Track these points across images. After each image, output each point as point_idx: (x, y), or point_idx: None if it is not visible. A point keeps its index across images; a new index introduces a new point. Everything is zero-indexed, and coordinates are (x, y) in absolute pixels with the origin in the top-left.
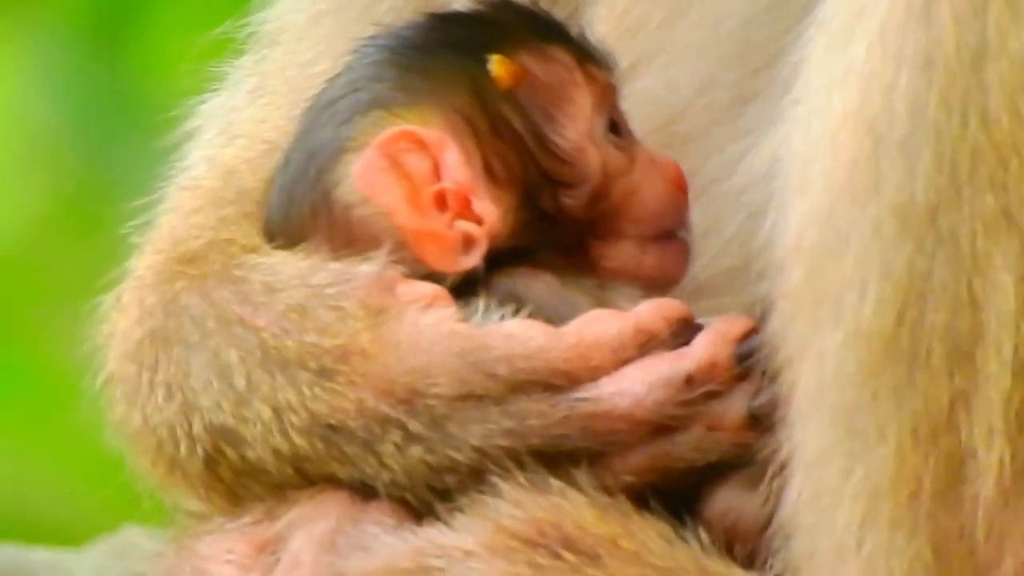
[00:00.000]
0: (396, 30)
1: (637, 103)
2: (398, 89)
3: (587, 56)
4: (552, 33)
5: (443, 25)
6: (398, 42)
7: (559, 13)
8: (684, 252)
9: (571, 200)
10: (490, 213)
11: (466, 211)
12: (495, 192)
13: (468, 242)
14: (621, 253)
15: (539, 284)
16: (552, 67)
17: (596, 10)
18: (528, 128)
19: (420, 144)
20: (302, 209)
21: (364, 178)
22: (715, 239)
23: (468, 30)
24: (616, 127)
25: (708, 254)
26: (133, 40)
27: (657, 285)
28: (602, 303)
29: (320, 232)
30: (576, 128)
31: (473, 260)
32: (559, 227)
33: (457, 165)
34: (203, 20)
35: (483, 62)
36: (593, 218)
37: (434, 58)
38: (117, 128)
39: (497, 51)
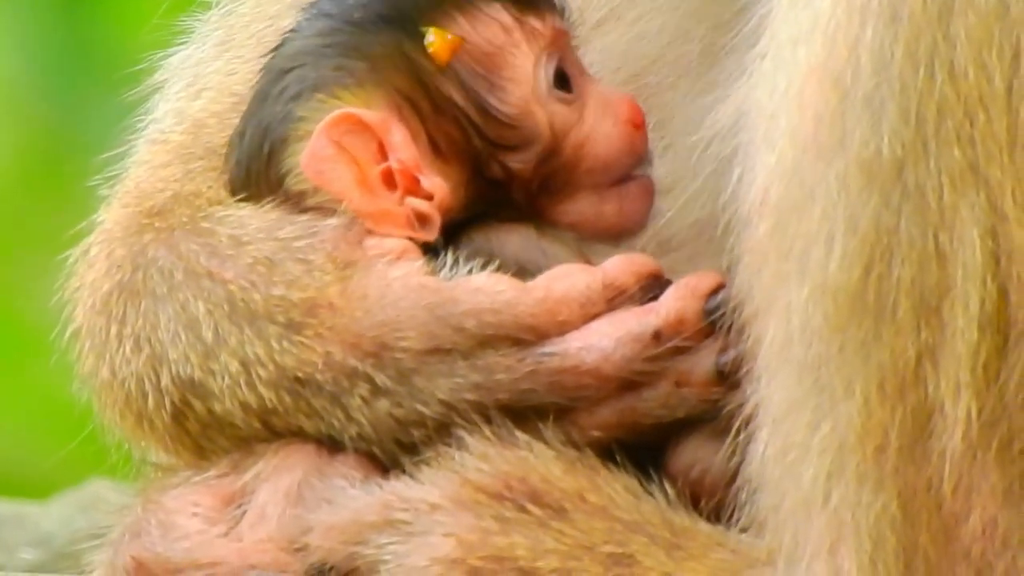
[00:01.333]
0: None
1: (606, 57)
2: (339, 70)
3: (528, 5)
4: None
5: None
6: (339, 15)
7: None
8: (645, 192)
9: (520, 163)
10: (439, 188)
11: (415, 188)
12: (443, 167)
13: (421, 218)
14: (578, 206)
15: (515, 237)
16: (489, 30)
17: None
18: (470, 100)
19: (363, 126)
20: (260, 189)
21: (312, 167)
22: (682, 192)
23: (385, 12)
24: (564, 74)
25: (675, 207)
26: None
27: (621, 232)
28: (581, 252)
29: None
30: (518, 91)
31: (430, 234)
32: (512, 191)
33: (402, 144)
34: None
35: (420, 37)
36: (546, 176)
37: (372, 36)
38: (85, 81)
39: (433, 21)
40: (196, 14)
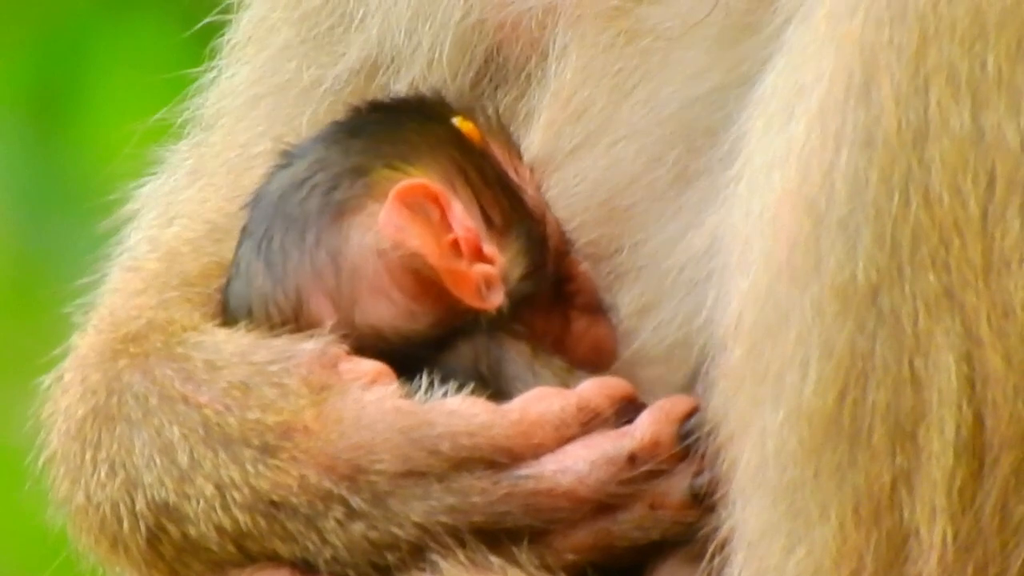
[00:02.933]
0: (329, 128)
1: (580, 182)
2: (390, 144)
3: (515, 147)
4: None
5: (381, 108)
6: (345, 126)
7: (505, 101)
8: (615, 331)
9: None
10: (498, 258)
11: (479, 256)
12: (497, 238)
13: (489, 283)
14: (580, 322)
15: (512, 352)
16: (496, 148)
17: (541, 97)
18: (505, 181)
19: (431, 195)
20: (299, 277)
21: (392, 224)
22: (656, 315)
23: (409, 107)
24: None
25: (649, 330)
26: (74, 125)
27: (598, 362)
28: (564, 380)
29: (320, 294)
30: (531, 191)
31: (498, 298)
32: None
33: (464, 214)
34: (143, 105)
35: (450, 123)
36: (558, 279)
37: (406, 122)
38: (59, 211)
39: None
40: (167, 144)
